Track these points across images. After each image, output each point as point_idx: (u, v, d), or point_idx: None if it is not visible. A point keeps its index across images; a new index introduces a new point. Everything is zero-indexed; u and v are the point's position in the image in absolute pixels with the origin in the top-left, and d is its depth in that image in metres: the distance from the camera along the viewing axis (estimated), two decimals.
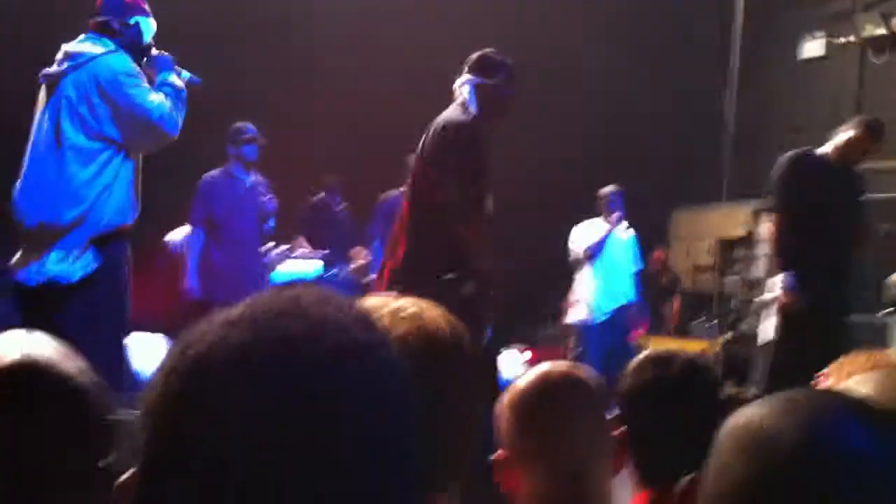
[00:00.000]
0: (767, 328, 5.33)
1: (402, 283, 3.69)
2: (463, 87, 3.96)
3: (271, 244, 6.53)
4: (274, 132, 6.13)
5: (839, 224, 4.80)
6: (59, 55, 3.65)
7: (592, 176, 7.28)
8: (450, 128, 3.85)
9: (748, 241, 8.51)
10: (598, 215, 7.06)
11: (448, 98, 4.06)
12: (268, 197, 6.04)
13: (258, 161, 6.07)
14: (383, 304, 1.17)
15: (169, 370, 0.70)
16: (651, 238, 9.29)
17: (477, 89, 3.93)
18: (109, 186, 3.59)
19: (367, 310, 0.85)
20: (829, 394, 0.97)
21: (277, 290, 0.74)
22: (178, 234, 6.65)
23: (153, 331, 6.00)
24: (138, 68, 3.68)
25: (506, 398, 1.69)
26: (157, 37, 3.90)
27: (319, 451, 0.66)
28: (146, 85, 3.66)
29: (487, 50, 4.07)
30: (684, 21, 9.99)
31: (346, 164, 7.59)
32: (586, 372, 1.75)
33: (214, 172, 6.06)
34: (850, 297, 4.93)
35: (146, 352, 5.89)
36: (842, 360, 1.60)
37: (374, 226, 6.77)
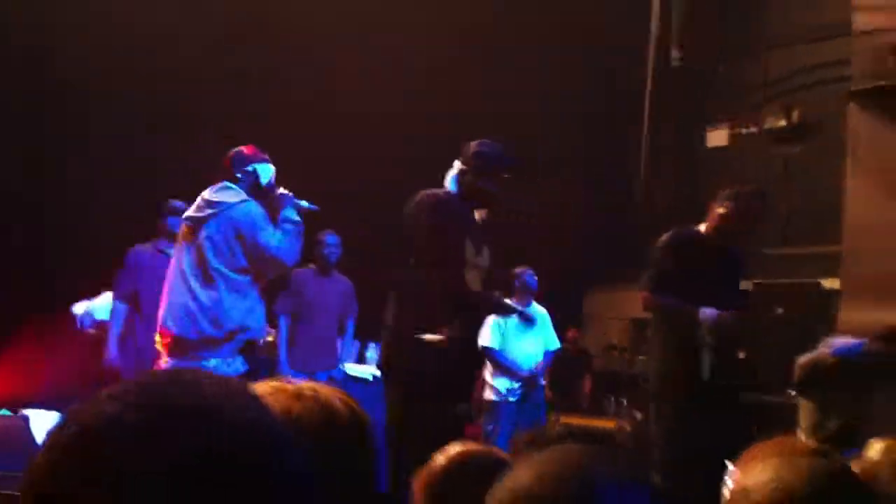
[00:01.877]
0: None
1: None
2: (451, 170, 4.29)
3: None
4: None
5: (714, 302, 4.72)
6: (201, 202, 4.44)
7: (505, 256, 7.35)
8: (424, 199, 4.22)
9: None
10: (511, 294, 7.11)
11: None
12: None
13: None
14: (283, 387, 1.19)
15: (52, 444, 0.70)
16: (564, 317, 9.40)
17: (458, 175, 4.26)
18: (252, 308, 4.42)
19: (267, 391, 0.86)
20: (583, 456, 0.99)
21: (172, 369, 0.76)
22: (80, 308, 6.50)
23: (54, 406, 5.83)
24: (263, 211, 4.43)
25: (419, 477, 1.67)
26: None
27: None
28: (270, 226, 4.40)
29: (479, 141, 4.32)
30: (595, 100, 10.30)
31: None
32: (500, 452, 1.73)
33: (142, 246, 6.05)
34: (740, 372, 4.95)
35: (47, 429, 5.70)
36: (753, 447, 1.62)
37: (281, 303, 6.62)
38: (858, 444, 5.61)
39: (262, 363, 6.79)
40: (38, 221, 7.21)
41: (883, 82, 7.10)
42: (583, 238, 9.92)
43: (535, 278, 7.13)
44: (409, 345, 4.04)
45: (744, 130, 10.06)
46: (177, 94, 7.60)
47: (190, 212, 4.49)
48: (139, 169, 7.43)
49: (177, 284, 4.44)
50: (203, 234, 4.36)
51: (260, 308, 4.50)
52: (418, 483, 1.66)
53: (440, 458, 1.68)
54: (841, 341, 5.96)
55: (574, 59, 9.94)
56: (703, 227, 4.86)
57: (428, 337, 3.91)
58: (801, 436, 5.82)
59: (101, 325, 6.22)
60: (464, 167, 4.25)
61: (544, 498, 0.89)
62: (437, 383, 3.99)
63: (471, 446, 1.72)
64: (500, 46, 9.20)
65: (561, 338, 9.30)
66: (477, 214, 4.37)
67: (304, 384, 1.23)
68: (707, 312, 4.62)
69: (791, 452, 1.51)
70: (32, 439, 5.62)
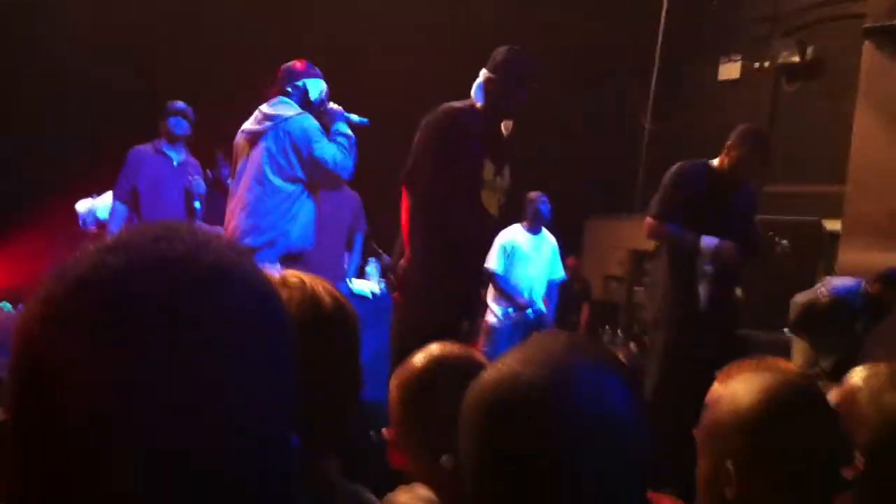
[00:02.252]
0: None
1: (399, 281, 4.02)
2: (477, 79, 4.06)
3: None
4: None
5: (722, 234, 4.69)
6: (258, 115, 4.55)
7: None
8: (438, 110, 4.02)
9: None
10: (522, 219, 7.05)
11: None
12: (196, 177, 6.00)
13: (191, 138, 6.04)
14: (268, 274, 1.19)
15: (46, 296, 0.69)
16: (564, 245, 9.41)
17: (485, 83, 4.04)
18: (296, 216, 4.49)
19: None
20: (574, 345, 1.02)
21: (153, 222, 0.75)
22: (83, 206, 6.51)
23: None
24: (318, 123, 4.49)
25: (395, 376, 1.68)
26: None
27: (202, 365, 0.66)
28: (324, 139, 4.47)
29: (508, 47, 4.08)
30: (603, 35, 10.16)
31: None
32: (479, 355, 1.73)
33: (143, 146, 6.02)
34: (736, 307, 4.95)
35: None
36: (732, 365, 1.64)
37: None
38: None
39: None
40: (39, 116, 7.17)
41: None
42: (585, 166, 9.87)
43: (549, 206, 7.05)
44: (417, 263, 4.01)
45: (756, 65, 9.94)
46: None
47: (247, 125, 4.60)
48: (144, 68, 7.38)
49: (237, 196, 4.60)
50: (261, 145, 4.49)
51: (307, 218, 4.56)
52: (395, 382, 1.67)
53: (418, 358, 1.68)
54: (839, 281, 5.98)
55: None
56: (715, 162, 4.81)
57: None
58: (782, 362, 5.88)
59: (103, 225, 6.22)
60: (491, 75, 4.03)
61: (524, 379, 0.93)
62: (447, 299, 3.96)
63: (449, 347, 1.72)
64: None
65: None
66: (504, 127, 4.16)
67: (290, 272, 1.23)
68: (708, 241, 4.61)
69: (766, 368, 1.55)
70: None
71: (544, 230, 7.12)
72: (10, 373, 0.69)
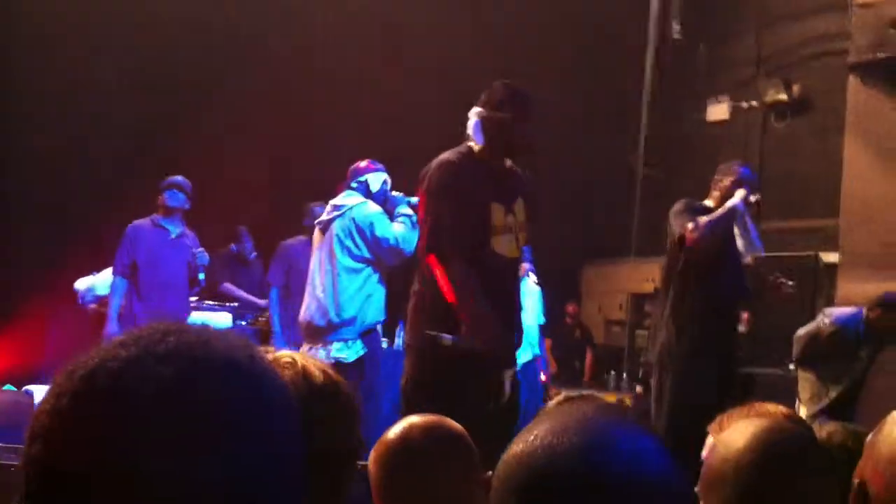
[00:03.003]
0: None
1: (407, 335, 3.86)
2: (470, 120, 3.76)
3: (194, 297, 6.52)
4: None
5: (721, 273, 4.73)
6: (329, 208, 5.20)
7: None
8: (432, 167, 3.71)
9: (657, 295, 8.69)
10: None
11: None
12: (199, 250, 6.08)
13: (189, 212, 6.12)
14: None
15: (58, 391, 0.71)
16: (563, 292, 9.43)
17: (482, 122, 3.73)
18: (370, 295, 5.03)
19: None
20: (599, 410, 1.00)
21: (164, 321, 0.77)
22: (83, 283, 6.55)
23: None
24: (380, 209, 5.06)
25: (372, 452, 1.69)
26: None
27: (209, 455, 0.68)
28: (385, 219, 5.03)
29: (500, 81, 3.82)
30: (596, 77, 10.30)
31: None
32: (452, 423, 1.74)
33: (141, 221, 6.09)
34: (737, 345, 4.95)
35: None
36: (728, 412, 1.66)
37: (273, 274, 6.60)
38: (855, 413, 5.71)
39: (254, 335, 6.88)
40: (40, 196, 7.22)
41: (883, 55, 7.10)
42: (579, 211, 9.93)
43: (529, 253, 7.06)
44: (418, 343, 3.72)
45: (744, 104, 10.05)
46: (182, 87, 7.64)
47: (321, 217, 5.27)
48: (139, 146, 7.45)
49: (312, 279, 5.17)
50: (330, 232, 5.09)
51: (379, 294, 5.09)
52: (373, 457, 1.68)
53: (392, 432, 1.70)
54: (839, 311, 5.99)
55: (575, 35, 9.93)
56: (709, 202, 4.86)
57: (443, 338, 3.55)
58: (801, 408, 5.87)
59: (103, 301, 6.26)
60: (489, 113, 3.72)
61: (559, 448, 0.89)
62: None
63: (424, 419, 1.73)
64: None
65: (561, 313, 9.37)
66: (507, 163, 3.88)
67: (282, 353, 1.26)
68: (736, 201, 4.68)
69: (758, 415, 1.55)
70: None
71: (530, 276, 7.14)
72: (24, 464, 0.71)
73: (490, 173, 3.74)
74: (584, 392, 1.96)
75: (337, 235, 5.03)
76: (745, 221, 4.88)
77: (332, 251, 5.05)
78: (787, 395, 6.92)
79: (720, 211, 4.68)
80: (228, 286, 7.10)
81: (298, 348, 6.26)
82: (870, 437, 1.56)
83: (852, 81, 7.41)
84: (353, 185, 5.19)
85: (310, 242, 6.50)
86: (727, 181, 4.80)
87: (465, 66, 8.32)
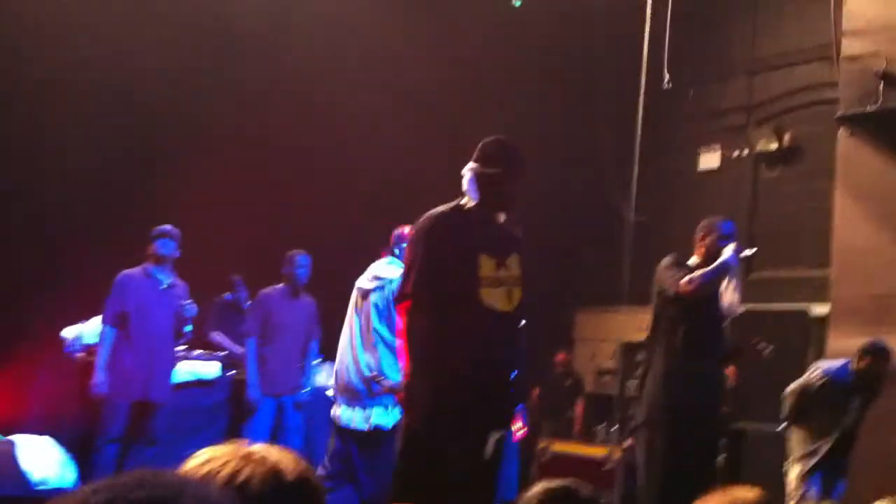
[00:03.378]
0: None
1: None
2: (465, 176, 3.84)
3: (183, 347, 6.50)
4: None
5: (715, 325, 4.81)
6: (369, 275, 5.42)
7: None
8: (415, 225, 3.88)
9: None
10: None
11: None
12: (188, 301, 6.07)
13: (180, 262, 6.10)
14: (235, 449, 1.20)
15: None
16: (554, 340, 9.40)
17: (476, 178, 3.80)
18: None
19: (217, 454, 0.91)
20: None
21: (143, 468, 0.80)
22: (71, 332, 6.52)
23: (40, 431, 5.83)
24: None
25: None
26: None
27: None
28: None
29: (493, 137, 3.89)
30: (582, 129, 10.37)
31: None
32: None
33: (132, 270, 6.06)
34: (718, 406, 4.93)
35: (34, 454, 5.71)
36: (702, 499, 1.66)
37: (250, 324, 6.59)
38: (848, 465, 5.69)
39: (231, 385, 6.83)
40: (26, 244, 7.19)
41: (871, 108, 7.14)
42: (570, 259, 9.94)
43: None
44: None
45: (735, 153, 10.10)
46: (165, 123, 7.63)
47: (360, 283, 5.47)
48: (126, 193, 7.44)
49: (349, 341, 5.38)
50: (369, 301, 5.32)
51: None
52: None
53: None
54: (829, 364, 5.98)
55: (566, 85, 10.00)
56: (695, 259, 4.92)
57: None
58: (794, 466, 5.85)
59: (91, 350, 6.24)
60: (482, 169, 3.80)
61: None
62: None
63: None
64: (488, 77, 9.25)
65: (551, 361, 9.33)
66: (501, 218, 3.92)
67: (256, 447, 1.25)
68: (729, 256, 4.71)
69: (732, 500, 1.56)
70: (18, 465, 5.63)
71: None
72: None
73: (482, 227, 3.77)
74: (567, 481, 1.89)
75: (375, 305, 5.27)
76: (736, 276, 4.93)
77: (369, 320, 5.29)
78: (777, 452, 6.90)
79: (715, 265, 4.73)
80: (216, 335, 7.06)
81: (275, 400, 6.27)
82: None
83: (841, 133, 7.45)
84: (396, 251, 5.38)
85: (287, 291, 6.52)
86: (711, 238, 4.85)
87: (460, 118, 8.39)
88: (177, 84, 7.60)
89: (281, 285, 6.65)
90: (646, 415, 4.99)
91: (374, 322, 5.23)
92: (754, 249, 4.93)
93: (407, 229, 4.97)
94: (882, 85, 7.13)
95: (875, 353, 5.84)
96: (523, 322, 3.82)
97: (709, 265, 4.84)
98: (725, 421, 5.13)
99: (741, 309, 5.10)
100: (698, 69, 10.06)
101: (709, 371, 4.85)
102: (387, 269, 5.34)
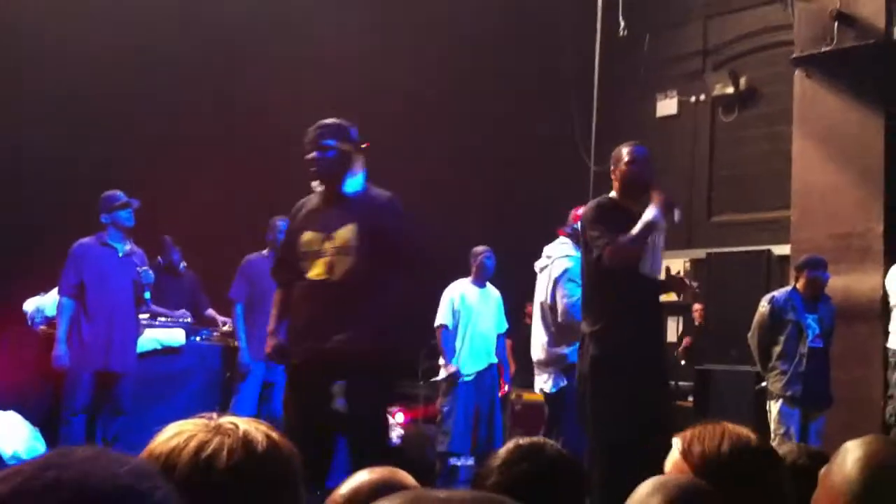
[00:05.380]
0: (545, 381, 5.51)
1: None
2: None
3: (145, 315, 6.38)
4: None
5: (638, 277, 4.40)
6: (545, 254, 6.03)
7: (459, 231, 7.35)
8: None
9: None
10: (468, 274, 7.08)
11: None
12: (144, 268, 5.94)
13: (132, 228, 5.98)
14: (204, 423, 1.21)
15: None
16: (521, 294, 9.43)
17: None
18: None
19: (188, 427, 0.88)
20: None
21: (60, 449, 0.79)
22: (31, 304, 6.40)
23: (5, 406, 5.76)
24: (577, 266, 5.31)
25: None
26: None
27: None
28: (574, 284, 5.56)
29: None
30: (543, 76, 10.33)
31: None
32: (404, 476, 1.70)
33: (87, 239, 5.92)
34: (658, 346, 4.64)
35: (2, 429, 5.64)
36: (693, 430, 1.65)
37: (236, 290, 6.57)
38: (826, 403, 5.81)
39: (220, 352, 6.78)
40: None
41: (826, 48, 7.17)
42: (537, 213, 9.94)
43: (493, 260, 7.06)
44: None
45: (692, 99, 10.13)
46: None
47: (538, 263, 6.05)
48: (83, 161, 7.30)
49: (536, 316, 6.01)
50: (545, 276, 5.89)
51: None
52: None
53: (345, 485, 1.64)
54: (773, 293, 6.24)
55: (521, 35, 9.93)
56: (613, 194, 4.52)
57: None
58: (772, 404, 6.04)
59: (52, 322, 6.12)
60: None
61: None
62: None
63: (374, 476, 1.67)
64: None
65: (521, 314, 9.34)
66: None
67: (226, 419, 1.22)
68: (654, 213, 4.28)
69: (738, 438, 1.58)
70: None
71: (489, 284, 7.12)
72: None
73: (319, 207, 4.17)
74: (535, 438, 1.89)
75: (552, 279, 5.79)
76: (656, 238, 4.55)
77: (546, 294, 5.84)
78: (746, 392, 7.01)
79: (639, 228, 4.31)
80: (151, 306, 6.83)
81: (265, 364, 6.21)
82: (824, 468, 1.56)
83: (797, 75, 7.48)
84: (568, 230, 5.87)
85: (272, 256, 6.38)
86: (623, 165, 4.50)
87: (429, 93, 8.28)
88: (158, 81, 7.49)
89: (266, 251, 6.57)
90: (588, 369, 4.64)
91: (550, 293, 5.78)
92: (680, 215, 4.56)
93: (581, 209, 5.06)
94: (836, 25, 7.16)
95: (808, 264, 6.16)
96: (365, 288, 4.00)
97: (628, 195, 4.51)
98: (668, 368, 4.98)
99: (657, 276, 4.76)
100: (653, 16, 10.04)
101: (646, 325, 4.56)
102: (554, 248, 5.92)
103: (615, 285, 4.40)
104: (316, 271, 4.04)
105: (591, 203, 4.58)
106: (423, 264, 4.23)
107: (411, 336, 4.19)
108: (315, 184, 4.21)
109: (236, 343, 6.61)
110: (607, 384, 4.34)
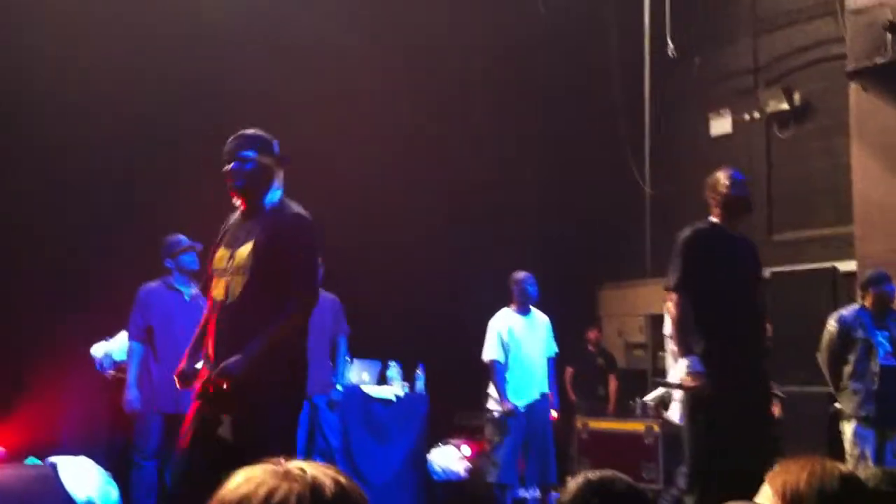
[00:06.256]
0: (674, 412, 5.31)
1: None
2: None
3: None
4: None
5: (740, 297, 4.56)
6: None
7: (507, 261, 7.30)
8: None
9: None
10: (510, 302, 6.94)
11: None
12: None
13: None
14: (272, 468, 1.18)
15: None
16: (579, 318, 9.38)
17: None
18: None
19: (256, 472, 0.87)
20: None
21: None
22: (99, 350, 6.52)
23: (77, 451, 5.86)
24: None
25: None
26: None
27: None
28: None
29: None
30: (597, 102, 10.32)
31: None
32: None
33: (152, 283, 6.02)
34: (763, 370, 4.68)
35: (75, 475, 5.75)
36: (778, 468, 1.65)
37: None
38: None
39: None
40: (50, 263, 7.17)
41: (880, 60, 7.07)
42: (590, 237, 9.91)
43: (535, 286, 6.87)
44: None
45: (746, 116, 10.03)
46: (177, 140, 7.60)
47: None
48: (141, 207, 7.40)
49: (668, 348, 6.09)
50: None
51: None
52: None
53: None
54: (839, 312, 6.13)
55: (570, 63, 9.96)
56: (713, 219, 4.71)
57: None
58: (846, 425, 5.92)
59: (121, 367, 6.22)
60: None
61: None
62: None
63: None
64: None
65: (581, 340, 9.31)
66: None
67: (294, 464, 1.23)
68: (691, 360, 4.40)
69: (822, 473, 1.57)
70: (62, 486, 5.68)
71: (533, 309, 6.94)
72: None
73: (240, 223, 3.87)
74: (605, 472, 1.88)
75: None
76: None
77: None
78: (814, 412, 6.86)
79: (681, 350, 4.49)
80: None
81: (306, 401, 6.20)
82: None
83: (853, 88, 7.39)
84: None
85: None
86: (723, 189, 4.64)
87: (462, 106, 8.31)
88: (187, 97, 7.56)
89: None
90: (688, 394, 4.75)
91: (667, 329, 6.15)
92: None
93: None
94: (890, 36, 7.06)
95: (873, 281, 6.04)
96: (253, 312, 3.66)
97: (728, 220, 4.65)
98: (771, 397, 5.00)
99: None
100: (701, 35, 10.00)
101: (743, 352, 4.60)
102: None
103: (707, 311, 4.50)
104: (217, 291, 3.81)
105: (689, 229, 4.67)
106: (308, 290, 3.76)
107: (289, 368, 3.76)
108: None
109: None
110: (705, 410, 4.37)
